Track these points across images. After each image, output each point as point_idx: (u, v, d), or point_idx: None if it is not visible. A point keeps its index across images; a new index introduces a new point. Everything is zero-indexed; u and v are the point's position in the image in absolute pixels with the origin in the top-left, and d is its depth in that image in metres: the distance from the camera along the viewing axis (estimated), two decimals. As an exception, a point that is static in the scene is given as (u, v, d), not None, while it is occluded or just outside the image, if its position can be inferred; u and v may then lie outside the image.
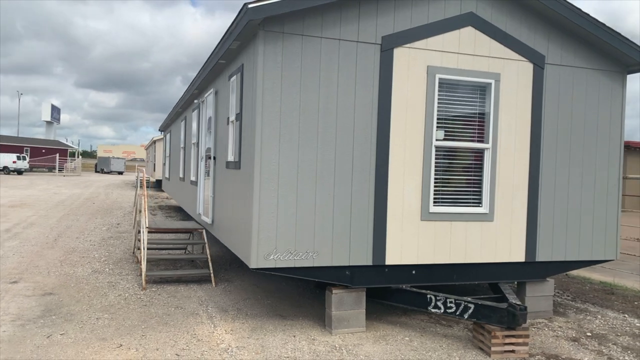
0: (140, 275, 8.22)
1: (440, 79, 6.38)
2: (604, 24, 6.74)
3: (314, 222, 5.96)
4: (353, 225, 6.11)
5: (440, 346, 5.85)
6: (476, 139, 6.63)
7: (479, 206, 6.65)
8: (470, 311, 5.87)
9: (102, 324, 6.17)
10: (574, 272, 10.28)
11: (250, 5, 5.39)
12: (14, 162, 47.68)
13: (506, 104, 6.68)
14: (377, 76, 6.14)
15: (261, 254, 5.79)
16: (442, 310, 6.08)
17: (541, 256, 6.91)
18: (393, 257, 6.28)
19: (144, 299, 7.33)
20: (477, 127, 6.64)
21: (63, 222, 15.20)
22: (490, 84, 6.58)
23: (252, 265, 5.78)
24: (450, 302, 6.01)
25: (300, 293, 7.96)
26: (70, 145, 71.03)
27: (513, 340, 5.60)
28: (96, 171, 63.79)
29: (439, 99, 6.41)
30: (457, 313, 5.97)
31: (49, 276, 8.42)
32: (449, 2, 6.39)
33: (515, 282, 7.38)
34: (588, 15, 6.64)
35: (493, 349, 5.55)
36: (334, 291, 6.17)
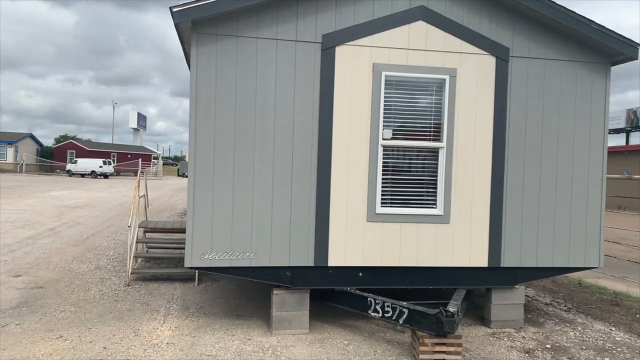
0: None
1: (387, 76, 6.18)
2: (574, 13, 6.25)
3: (251, 222, 5.97)
4: (293, 225, 6.06)
5: (375, 352, 5.66)
6: (430, 137, 6.35)
7: (433, 207, 6.36)
8: (404, 316, 5.64)
9: (62, 316, 6.53)
10: (589, 281, 9.54)
11: (174, 10, 5.52)
12: (100, 166, 51.04)
13: (464, 101, 6.35)
14: (317, 75, 6.06)
15: (196, 253, 5.88)
16: (380, 315, 5.88)
17: (507, 262, 6.49)
18: (336, 258, 6.15)
19: (119, 294, 7.66)
20: (431, 125, 6.36)
21: (107, 222, 16.11)
22: (445, 80, 6.29)
23: (187, 264, 5.89)
24: (388, 307, 5.80)
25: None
26: (154, 150, 75.10)
27: (444, 348, 5.31)
28: (178, 175, 66.86)
29: (386, 97, 6.22)
30: (393, 318, 5.75)
31: (52, 271, 8.99)
32: (396, -3, 6.19)
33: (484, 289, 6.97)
34: (554, 3, 6.18)
35: (421, 356, 5.29)
36: (275, 292, 6.15)
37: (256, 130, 5.96)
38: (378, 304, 5.89)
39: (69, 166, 52.95)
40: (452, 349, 5.31)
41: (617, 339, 6.34)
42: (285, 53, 6.00)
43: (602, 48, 6.51)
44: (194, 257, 5.88)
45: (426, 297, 6.60)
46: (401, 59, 6.22)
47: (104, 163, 51.98)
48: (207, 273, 8.89)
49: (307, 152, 6.07)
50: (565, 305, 7.90)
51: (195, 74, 5.82)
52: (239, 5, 5.67)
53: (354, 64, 6.13)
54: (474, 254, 6.42)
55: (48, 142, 77.18)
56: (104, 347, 5.51)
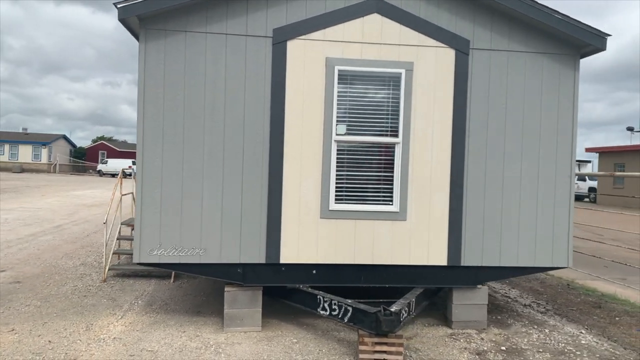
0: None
1: (340, 70, 6.07)
2: (536, 2, 6.01)
3: (200, 219, 5.95)
4: (244, 222, 6.00)
5: (320, 350, 5.55)
6: (386, 133, 6.20)
7: (389, 204, 6.21)
8: (349, 314, 5.52)
9: (25, 310, 6.63)
10: (581, 282, 9.20)
11: (119, 5, 5.53)
12: (129, 167, 52.13)
13: (422, 95, 6.18)
14: (269, 70, 5.99)
15: (145, 249, 5.88)
16: (328, 313, 5.78)
17: (468, 261, 6.29)
18: (289, 255, 6.07)
19: (92, 290, 7.76)
20: (388, 120, 6.21)
21: (117, 220, 16.36)
22: (401, 74, 6.13)
23: (135, 259, 5.90)
24: (335, 305, 5.69)
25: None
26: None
27: (385, 348, 5.17)
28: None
29: (340, 92, 6.10)
30: (339, 316, 5.64)
31: (37, 267, 9.17)
32: (350, -11, 6.07)
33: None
34: (512, -8, 5.96)
35: (360, 356, 5.17)
36: (227, 289, 6.11)
37: (205, 125, 5.93)
38: (326, 302, 5.78)
39: (99, 166, 54.33)
40: (392, 349, 5.17)
41: (583, 342, 6.06)
42: (235, 48, 5.95)
43: (568, 39, 6.25)
44: (143, 252, 5.88)
45: (396, 295, 6.43)
46: (355, 53, 6.09)
47: (133, 163, 53.05)
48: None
49: (258, 147, 6.00)
50: (545, 307, 7.62)
51: (143, 71, 5.82)
52: (182, 0, 5.64)
53: (306, 58, 6.04)
54: (432, 252, 6.24)
55: (86, 143, 79.26)
56: (49, 341, 5.57)
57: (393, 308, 5.27)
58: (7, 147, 57.35)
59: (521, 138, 6.32)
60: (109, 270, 8.64)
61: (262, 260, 6.04)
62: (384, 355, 5.18)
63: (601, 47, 6.17)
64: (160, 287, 8.02)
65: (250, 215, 6.00)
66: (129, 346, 5.50)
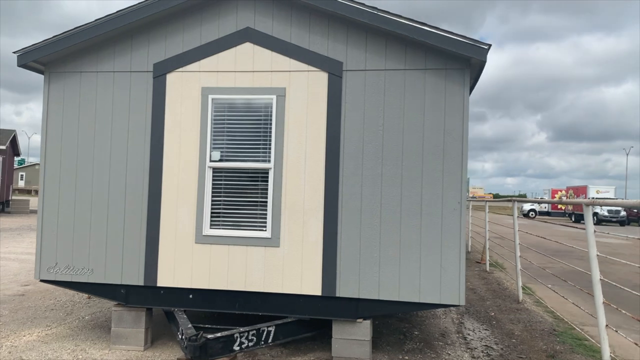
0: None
1: (214, 99, 6.26)
2: (401, 17, 5.68)
3: (89, 241, 6.45)
4: (126, 245, 6.38)
5: (166, 373, 5.65)
6: (259, 159, 6.20)
7: (262, 230, 6.15)
8: (183, 339, 5.55)
9: (-15, 319, 7.67)
10: (581, 328, 7.94)
11: (18, 54, 6.39)
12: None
13: (295, 120, 6.10)
14: (150, 103, 6.39)
15: (43, 267, 6.53)
16: (180, 337, 5.85)
17: (344, 292, 5.95)
18: (165, 279, 6.29)
19: (68, 305, 8.64)
20: (261, 146, 6.21)
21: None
22: (272, 100, 6.13)
23: (36, 277, 6.57)
24: (182, 329, 5.76)
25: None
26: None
27: (200, 374, 5.13)
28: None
29: (216, 119, 6.28)
30: (181, 338, 5.68)
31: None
32: (223, 20, 6.28)
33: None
34: (369, 7, 5.70)
35: (177, 380, 5.19)
36: (114, 308, 6.50)
37: (94, 156, 6.48)
38: (181, 326, 5.88)
39: None
40: (206, 375, 5.11)
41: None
42: (121, 84, 6.46)
43: (451, 53, 5.75)
44: (42, 270, 6.54)
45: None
46: (229, 82, 6.25)
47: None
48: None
49: (139, 174, 6.39)
50: (487, 353, 6.77)
51: (46, 109, 6.59)
52: (65, 45, 6.32)
53: (184, 89, 6.34)
54: (305, 281, 6.01)
55: None
56: (-43, 344, 6.41)
57: (209, 334, 5.22)
58: None
59: (401, 161, 5.88)
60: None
61: (141, 283, 6.34)
62: (200, 381, 5.13)
63: (482, 58, 5.58)
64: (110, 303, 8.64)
65: (131, 239, 6.36)
66: (13, 354, 6.12)
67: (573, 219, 46.72)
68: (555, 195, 55.70)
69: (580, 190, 50.29)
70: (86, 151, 6.50)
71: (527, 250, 12.88)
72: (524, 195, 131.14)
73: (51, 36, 6.37)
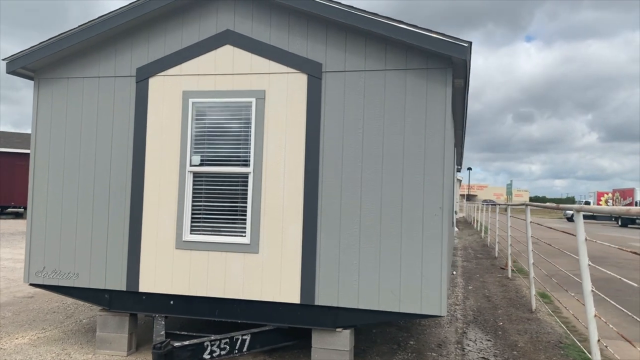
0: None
1: (195, 103, 6.19)
2: (378, 15, 5.47)
3: (75, 246, 6.48)
4: (109, 250, 6.38)
5: (140, 379, 5.60)
6: (239, 163, 6.09)
7: (242, 236, 6.03)
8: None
9: (-14, 321, 7.84)
10: (597, 344, 7.49)
11: (6, 61, 6.49)
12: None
13: (274, 123, 5.97)
14: (133, 106, 6.38)
15: (32, 271, 6.61)
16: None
17: (323, 300, 5.76)
18: (146, 284, 6.25)
19: (70, 308, 8.76)
20: (241, 150, 6.10)
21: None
22: (251, 102, 6.02)
23: (25, 280, 6.64)
24: (157, 334, 5.69)
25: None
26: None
27: (167, 382, 5.05)
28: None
29: (197, 123, 6.21)
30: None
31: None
32: (203, 23, 6.20)
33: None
34: (345, 6, 5.51)
35: (145, 388, 5.12)
36: (99, 313, 6.50)
37: (80, 161, 6.51)
38: (155, 333, 5.82)
39: None
40: (172, 384, 5.02)
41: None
42: (106, 89, 6.48)
43: (432, 52, 5.50)
44: (31, 275, 6.61)
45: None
46: (209, 85, 6.17)
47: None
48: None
49: (122, 179, 6.37)
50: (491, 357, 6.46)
51: (35, 115, 6.67)
52: (50, 52, 6.36)
53: (165, 93, 6.29)
54: (284, 288, 5.86)
55: None
56: (-52, 346, 6.55)
57: (176, 342, 5.13)
58: None
59: (381, 165, 5.66)
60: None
61: (123, 288, 6.32)
62: (166, 390, 5.05)
63: (462, 57, 5.30)
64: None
65: (115, 244, 6.36)
66: (1, 357, 6.20)
67: (620, 223, 44.83)
68: (601, 199, 53.66)
69: (627, 193, 48.26)
70: (73, 157, 6.54)
71: (560, 255, 12.29)
72: (572, 199, 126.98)
73: (37, 43, 6.45)
